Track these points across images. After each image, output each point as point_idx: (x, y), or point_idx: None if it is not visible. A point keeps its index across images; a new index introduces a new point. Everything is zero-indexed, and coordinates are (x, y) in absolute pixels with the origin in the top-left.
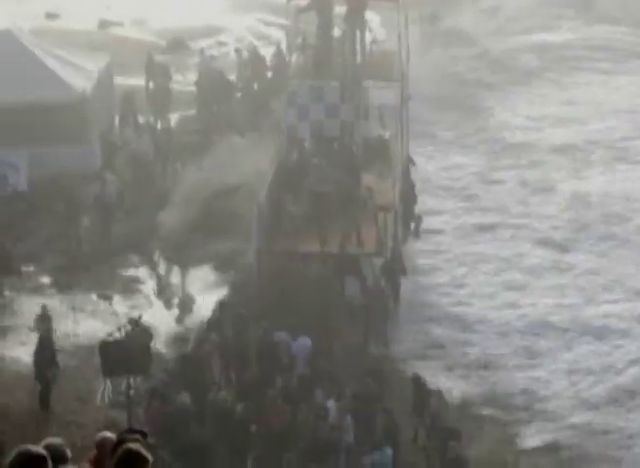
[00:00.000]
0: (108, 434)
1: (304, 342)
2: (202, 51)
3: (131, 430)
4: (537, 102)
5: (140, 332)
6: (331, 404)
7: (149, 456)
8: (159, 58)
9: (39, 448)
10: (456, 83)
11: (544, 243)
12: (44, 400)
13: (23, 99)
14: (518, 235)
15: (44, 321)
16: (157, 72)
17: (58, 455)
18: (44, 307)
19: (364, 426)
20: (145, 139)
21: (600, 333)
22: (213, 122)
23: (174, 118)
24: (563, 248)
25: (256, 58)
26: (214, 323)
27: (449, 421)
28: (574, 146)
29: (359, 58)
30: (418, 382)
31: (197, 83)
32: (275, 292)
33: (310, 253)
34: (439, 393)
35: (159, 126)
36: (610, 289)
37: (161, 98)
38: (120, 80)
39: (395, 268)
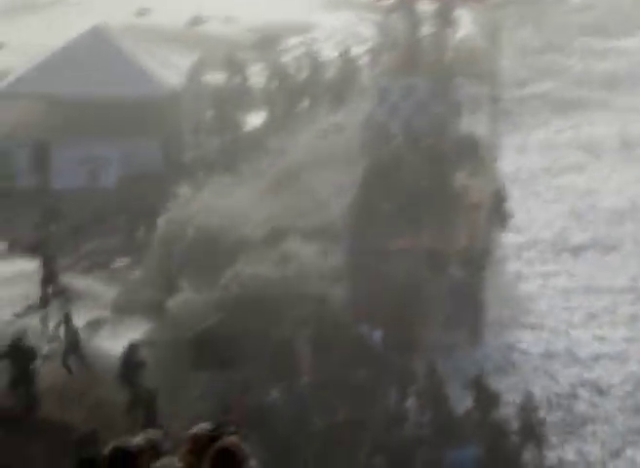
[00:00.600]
0: (203, 426)
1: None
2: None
3: (225, 423)
4: None
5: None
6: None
7: (246, 452)
8: (248, 55)
9: (133, 443)
10: None
11: None
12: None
13: (114, 95)
14: None
15: None
16: (235, 70)
17: (157, 447)
18: None
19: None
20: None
21: None
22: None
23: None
24: None
25: (346, 59)
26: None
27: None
28: None
29: (449, 55)
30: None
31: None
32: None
33: (402, 250)
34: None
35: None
36: None
37: (234, 98)
38: (209, 77)
39: (484, 266)
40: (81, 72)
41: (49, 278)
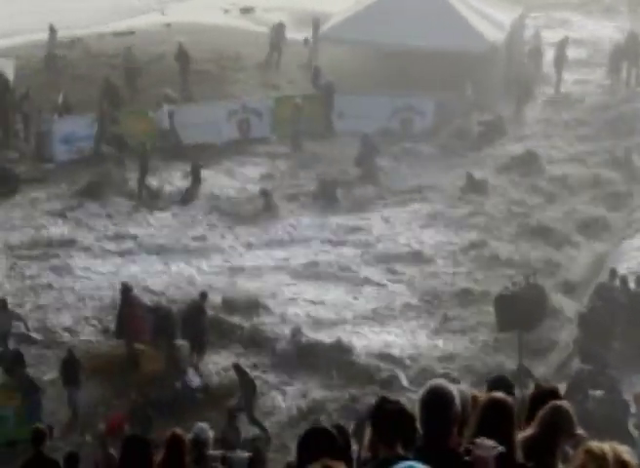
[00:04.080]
0: None
1: None
2: None
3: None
4: None
5: (533, 287)
6: None
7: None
8: None
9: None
10: None
11: None
12: None
13: (435, 47)
14: None
15: None
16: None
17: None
18: None
19: None
20: None
21: None
22: None
23: None
24: None
25: None
26: None
27: None
28: None
29: None
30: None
31: None
32: None
33: None
34: None
35: None
36: None
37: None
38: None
39: None
40: (404, 22)
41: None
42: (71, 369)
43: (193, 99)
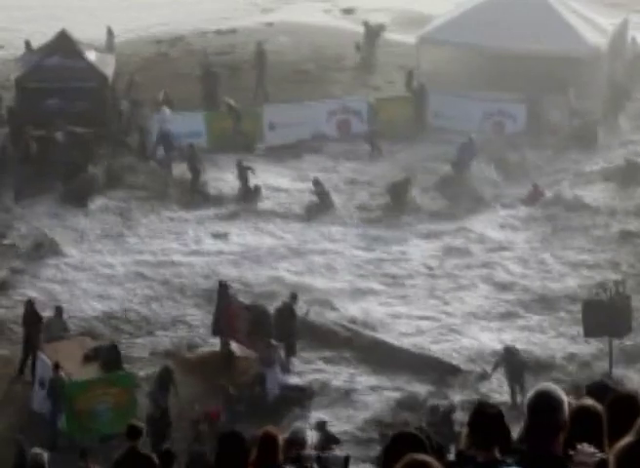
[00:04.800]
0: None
1: None
2: None
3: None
4: None
5: (621, 295)
6: None
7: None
8: None
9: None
10: None
11: None
12: None
13: (537, 51)
14: None
15: None
16: None
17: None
18: None
19: None
20: None
21: None
22: None
23: None
24: None
25: None
26: None
27: None
28: None
29: None
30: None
31: None
32: None
33: None
34: None
35: None
36: None
37: None
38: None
39: None
40: (507, 25)
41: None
42: (166, 379)
43: (268, 100)
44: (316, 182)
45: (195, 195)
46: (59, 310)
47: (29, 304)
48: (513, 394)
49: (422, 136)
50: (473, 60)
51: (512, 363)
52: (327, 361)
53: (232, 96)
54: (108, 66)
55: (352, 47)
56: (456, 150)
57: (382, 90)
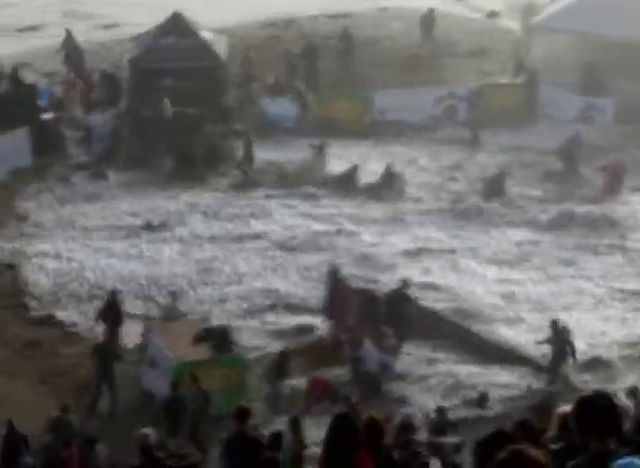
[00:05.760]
0: None
1: None
2: None
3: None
4: None
5: None
6: None
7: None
8: None
9: None
10: None
11: None
12: None
13: None
14: None
15: None
16: None
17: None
18: None
19: None
20: None
21: None
22: None
23: None
24: None
25: None
26: None
27: None
28: None
29: None
30: None
31: None
32: None
33: None
34: None
35: None
36: None
37: None
38: None
39: None
40: (624, 14)
41: None
42: (282, 365)
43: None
44: (389, 168)
45: (242, 177)
46: (175, 294)
47: (112, 295)
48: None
49: (530, 125)
50: (587, 49)
51: (561, 339)
52: (434, 348)
53: (337, 79)
54: (221, 46)
55: (464, 33)
56: (563, 143)
57: (494, 76)
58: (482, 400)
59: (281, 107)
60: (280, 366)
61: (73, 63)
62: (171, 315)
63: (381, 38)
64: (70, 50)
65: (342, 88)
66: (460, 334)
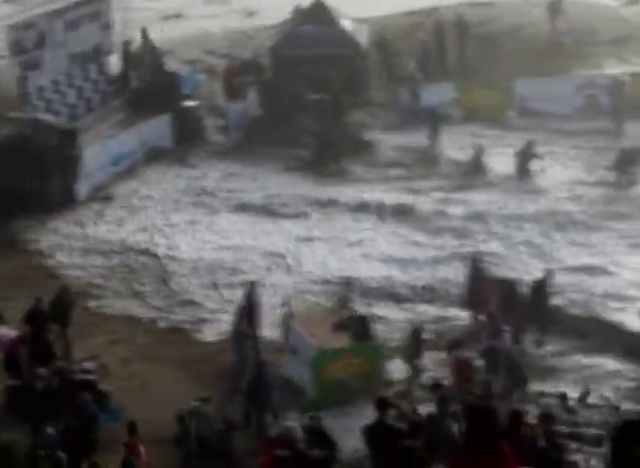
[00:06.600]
0: None
1: None
2: None
3: None
4: None
5: None
6: None
7: None
8: None
9: None
10: None
11: None
12: None
13: None
14: None
15: None
16: None
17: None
18: None
19: None
20: None
21: None
22: None
23: None
24: None
25: None
26: None
27: None
28: None
29: None
30: None
31: None
32: None
33: None
34: None
35: None
36: None
37: None
38: None
39: None
40: None
41: None
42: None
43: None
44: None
45: None
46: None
47: (252, 285)
48: None
49: None
50: None
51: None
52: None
53: (478, 68)
54: (362, 34)
55: (604, 20)
56: None
57: (636, 64)
58: (584, 396)
59: (435, 94)
60: (416, 343)
61: (147, 65)
62: (344, 304)
63: (524, 25)
64: (147, 50)
65: (483, 76)
66: (598, 327)
